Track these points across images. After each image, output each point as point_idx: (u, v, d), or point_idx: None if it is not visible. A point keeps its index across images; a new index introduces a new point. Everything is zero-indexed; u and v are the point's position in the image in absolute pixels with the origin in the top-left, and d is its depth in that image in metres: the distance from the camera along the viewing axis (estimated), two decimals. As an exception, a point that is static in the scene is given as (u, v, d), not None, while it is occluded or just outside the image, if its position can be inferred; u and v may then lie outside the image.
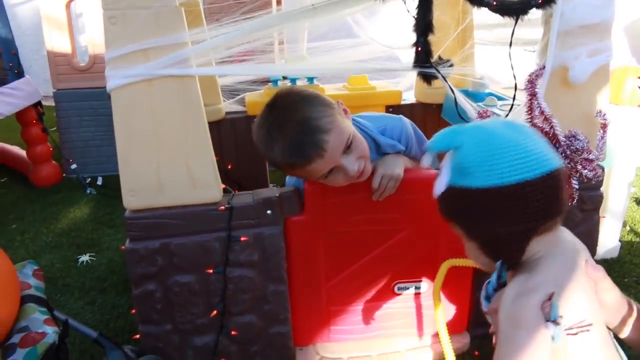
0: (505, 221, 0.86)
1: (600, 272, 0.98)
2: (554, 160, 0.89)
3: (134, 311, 1.54)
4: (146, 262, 1.46)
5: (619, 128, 1.88)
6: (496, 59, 2.51)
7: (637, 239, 2.36)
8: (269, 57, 2.40)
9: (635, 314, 1.01)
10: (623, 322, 1.01)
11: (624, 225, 2.36)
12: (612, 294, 1.00)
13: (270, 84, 2.46)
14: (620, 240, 2.23)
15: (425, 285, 1.63)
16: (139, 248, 1.45)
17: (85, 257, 2.40)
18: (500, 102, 2.14)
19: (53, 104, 3.42)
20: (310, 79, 2.47)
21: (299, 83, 2.47)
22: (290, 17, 1.37)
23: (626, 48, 2.92)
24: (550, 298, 0.85)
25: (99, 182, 3.28)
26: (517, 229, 0.86)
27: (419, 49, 1.39)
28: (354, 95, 2.50)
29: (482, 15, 2.28)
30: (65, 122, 3.43)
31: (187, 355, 1.58)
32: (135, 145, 1.38)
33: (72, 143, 3.46)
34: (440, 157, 1.02)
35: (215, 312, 1.52)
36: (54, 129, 3.52)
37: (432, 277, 1.59)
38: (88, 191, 3.19)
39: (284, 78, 2.48)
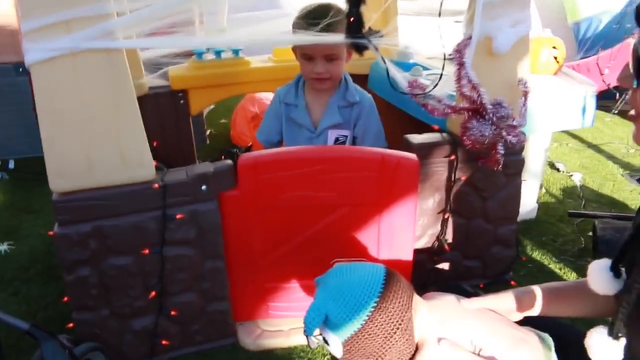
0: (396, 330, 0.99)
1: (475, 301, 1.10)
2: (379, 268, 1.05)
3: (66, 299, 1.48)
4: (78, 246, 1.40)
5: (536, 96, 1.98)
6: (419, 29, 2.57)
7: (552, 200, 2.52)
8: (190, 30, 2.33)
9: (540, 294, 1.11)
10: (538, 307, 1.11)
11: (541, 187, 2.50)
12: (499, 302, 1.11)
13: (194, 56, 2.39)
14: (537, 202, 2.37)
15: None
16: (70, 232, 1.38)
17: (3, 246, 2.26)
18: (425, 72, 2.19)
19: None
20: (236, 51, 2.42)
21: (224, 55, 2.41)
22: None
23: (537, 19, 3.06)
24: None
25: (10, 165, 3.08)
26: (404, 327, 0.99)
27: (352, 19, 1.40)
28: (279, 67, 2.48)
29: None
30: (-33, 103, 3.17)
31: (126, 340, 1.54)
32: (61, 124, 1.30)
33: (-24, 125, 3.21)
34: None
35: (153, 293, 1.48)
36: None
37: (372, 257, 1.63)
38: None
39: (208, 50, 2.41)
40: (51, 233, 1.40)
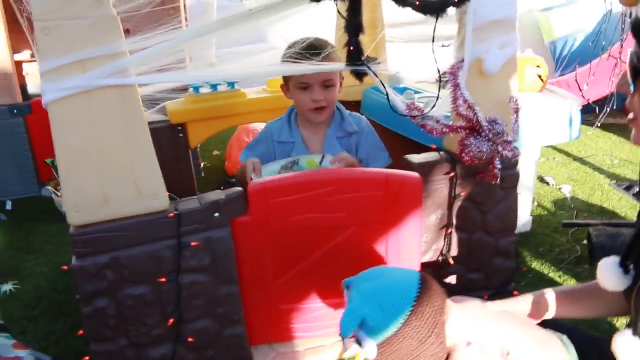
0: (430, 333, 1.02)
1: (497, 304, 1.18)
2: (413, 272, 1.10)
3: (80, 333, 1.50)
4: (95, 278, 1.43)
5: (524, 113, 2.06)
6: (406, 55, 2.67)
7: (545, 212, 2.60)
8: (182, 67, 2.40)
9: (554, 297, 1.17)
10: (553, 309, 1.17)
11: (533, 201, 2.58)
12: (518, 306, 1.19)
13: (191, 90, 2.45)
14: (531, 215, 2.44)
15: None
16: (87, 265, 1.41)
17: (8, 286, 2.26)
18: (417, 95, 2.28)
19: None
20: (231, 84, 2.49)
21: (220, 88, 2.48)
22: (228, 22, 1.40)
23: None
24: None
25: (8, 206, 3.08)
26: (438, 331, 1.03)
27: (352, 48, 1.47)
28: (274, 97, 2.55)
29: (392, 14, 2.42)
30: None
31: (144, 369, 1.56)
32: (77, 159, 1.35)
33: (-29, 167, 3.22)
34: None
35: (171, 320, 1.51)
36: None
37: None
38: (-2, 217, 3.00)
39: (204, 84, 2.48)
40: (66, 267, 1.43)
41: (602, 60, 3.39)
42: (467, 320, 1.08)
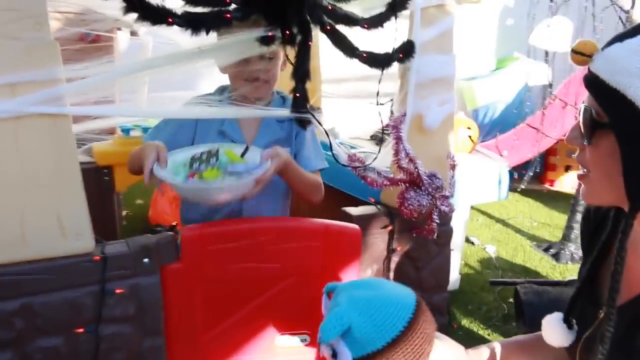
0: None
1: (471, 353, 1.10)
2: (410, 292, 1.00)
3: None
4: (1, 327, 1.27)
5: (456, 172, 2.12)
6: (341, 111, 2.71)
7: (472, 271, 2.65)
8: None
9: (506, 348, 1.14)
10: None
11: (461, 259, 2.63)
12: (480, 356, 1.11)
13: (119, 133, 2.35)
14: (459, 273, 2.48)
15: (307, 338, 1.63)
16: (-7, 311, 1.26)
17: None
18: (353, 151, 2.29)
19: None
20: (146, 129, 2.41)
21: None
22: (170, 59, 1.35)
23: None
24: None
25: None
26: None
27: (298, 95, 1.45)
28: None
29: (330, 70, 2.46)
30: None
31: None
32: (-4, 189, 1.23)
33: None
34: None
35: (86, 377, 1.36)
36: None
37: (313, 331, 1.61)
38: None
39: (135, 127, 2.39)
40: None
41: (523, 128, 3.61)
42: (448, 358, 1.00)
